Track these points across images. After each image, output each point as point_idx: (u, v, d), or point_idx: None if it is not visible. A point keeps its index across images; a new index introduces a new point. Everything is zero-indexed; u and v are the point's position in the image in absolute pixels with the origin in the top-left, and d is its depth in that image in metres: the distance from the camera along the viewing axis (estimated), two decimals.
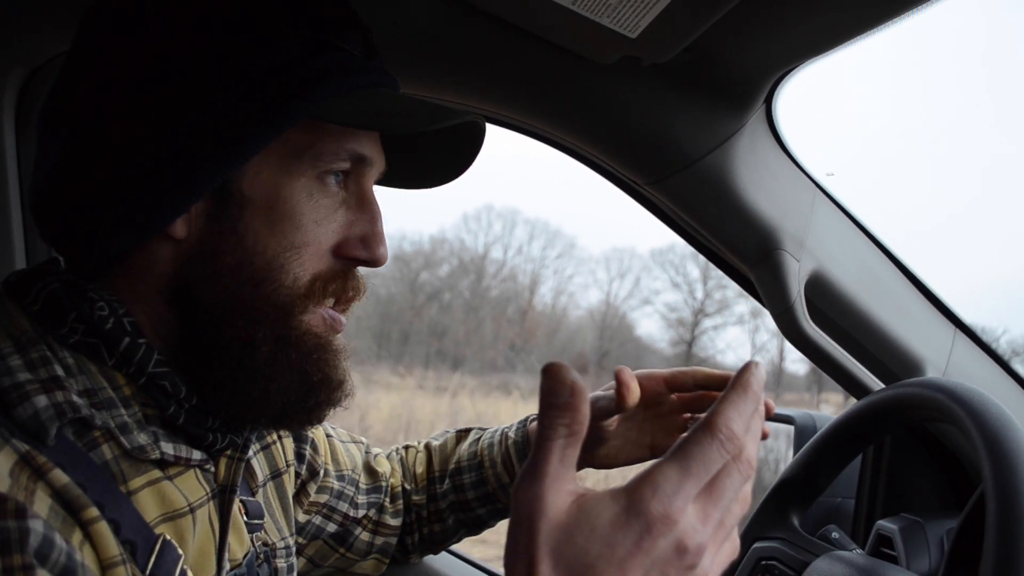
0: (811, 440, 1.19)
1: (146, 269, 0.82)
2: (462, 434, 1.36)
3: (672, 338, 27.47)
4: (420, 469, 1.35)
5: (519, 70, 1.15)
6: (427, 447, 1.37)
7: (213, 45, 0.78)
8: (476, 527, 1.32)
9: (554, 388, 0.55)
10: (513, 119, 1.26)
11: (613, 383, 1.07)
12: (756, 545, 1.15)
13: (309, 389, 0.85)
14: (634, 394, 1.07)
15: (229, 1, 0.80)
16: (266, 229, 0.81)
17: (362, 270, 0.91)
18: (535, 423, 1.23)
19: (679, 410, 1.17)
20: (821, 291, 1.25)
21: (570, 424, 0.55)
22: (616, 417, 1.17)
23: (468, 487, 1.28)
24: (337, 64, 0.81)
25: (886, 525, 1.34)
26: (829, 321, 1.27)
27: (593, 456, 1.20)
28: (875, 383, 1.26)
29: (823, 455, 1.16)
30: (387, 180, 0.96)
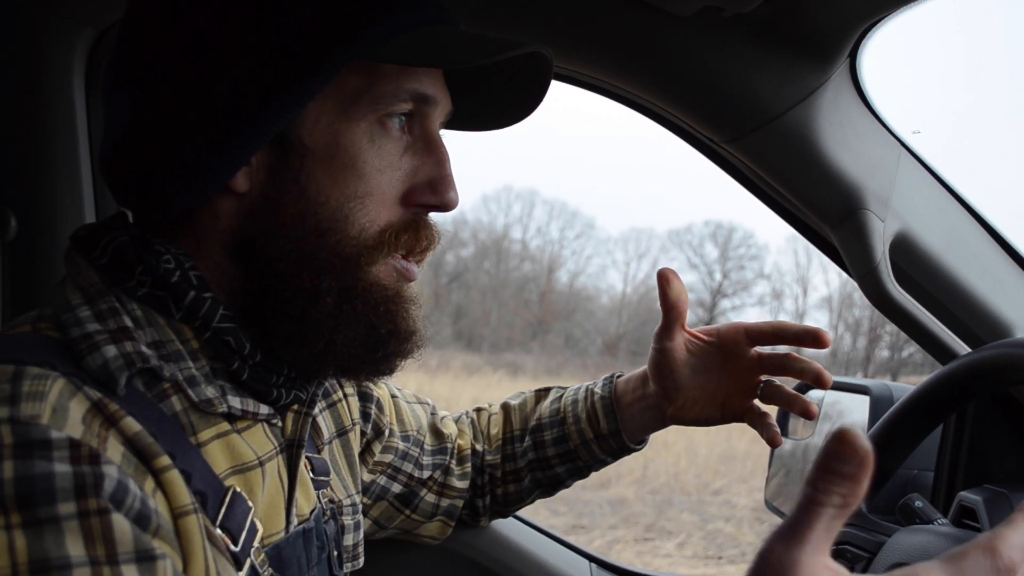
0: (882, 419, 1.15)
1: (211, 225, 0.81)
2: (542, 393, 1.35)
3: (691, 320, 27.28)
4: (495, 430, 1.33)
5: (596, 25, 1.12)
6: (504, 407, 1.36)
7: None
8: (552, 487, 1.30)
9: (843, 455, 0.49)
10: (590, 77, 1.24)
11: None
12: None
13: (377, 340, 0.84)
14: (675, 290, 1.10)
15: None
16: (328, 179, 0.80)
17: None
18: (621, 379, 1.22)
19: (756, 369, 1.15)
20: (906, 253, 1.21)
21: (847, 496, 0.50)
22: (688, 363, 1.16)
23: (549, 443, 1.27)
24: (388, 1, 0.79)
25: (969, 496, 1.30)
26: (914, 284, 1.24)
27: (664, 408, 1.19)
28: (962, 347, 1.22)
29: (897, 432, 1.12)
30: (455, 123, 0.92)
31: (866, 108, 1.19)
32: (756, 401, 1.16)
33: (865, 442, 0.49)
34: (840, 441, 0.49)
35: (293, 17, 0.76)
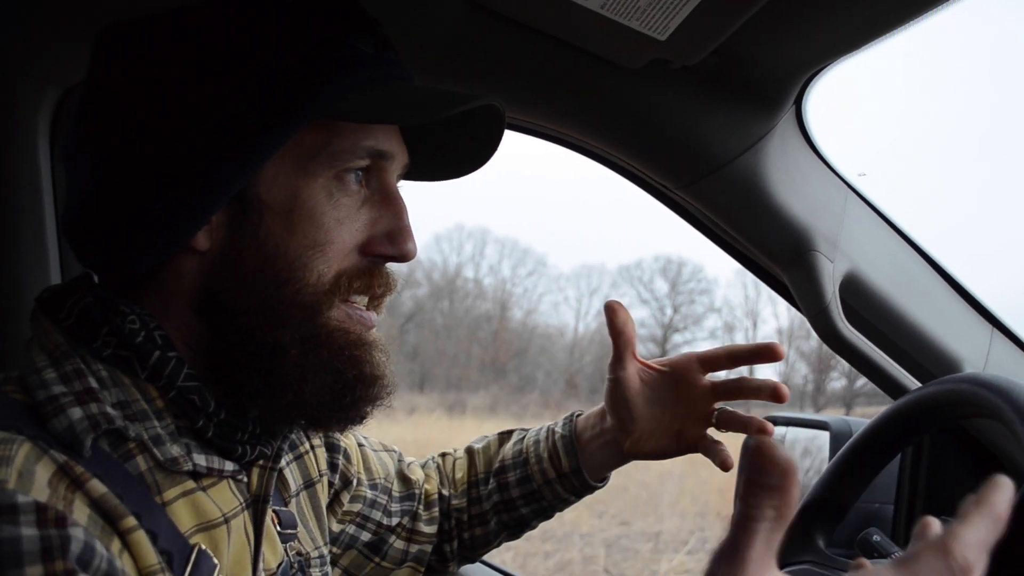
0: (837, 455, 1.17)
1: (174, 283, 0.83)
2: (504, 436, 1.36)
3: (643, 354, 27.33)
4: (460, 474, 1.34)
5: (547, 76, 1.15)
6: (468, 451, 1.37)
7: (220, 54, 0.78)
8: (518, 528, 1.31)
9: (764, 467, 0.49)
10: (541, 126, 1.26)
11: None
12: (785, 571, 1.13)
13: (344, 386, 0.84)
14: (621, 319, 1.11)
15: (235, 10, 0.80)
16: (286, 232, 0.81)
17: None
18: (580, 417, 1.24)
19: (710, 397, 1.16)
20: (856, 292, 1.24)
21: (779, 507, 0.50)
22: (643, 393, 1.17)
23: (513, 485, 1.28)
24: (344, 60, 0.81)
25: None
26: (864, 322, 1.26)
27: (622, 442, 1.19)
28: (913, 383, 1.25)
29: (853, 466, 1.14)
30: (412, 174, 0.95)
31: (813, 152, 1.23)
32: (710, 430, 1.17)
33: (783, 451, 0.50)
34: (758, 454, 0.50)
35: (252, 78, 0.78)
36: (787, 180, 1.19)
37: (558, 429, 1.27)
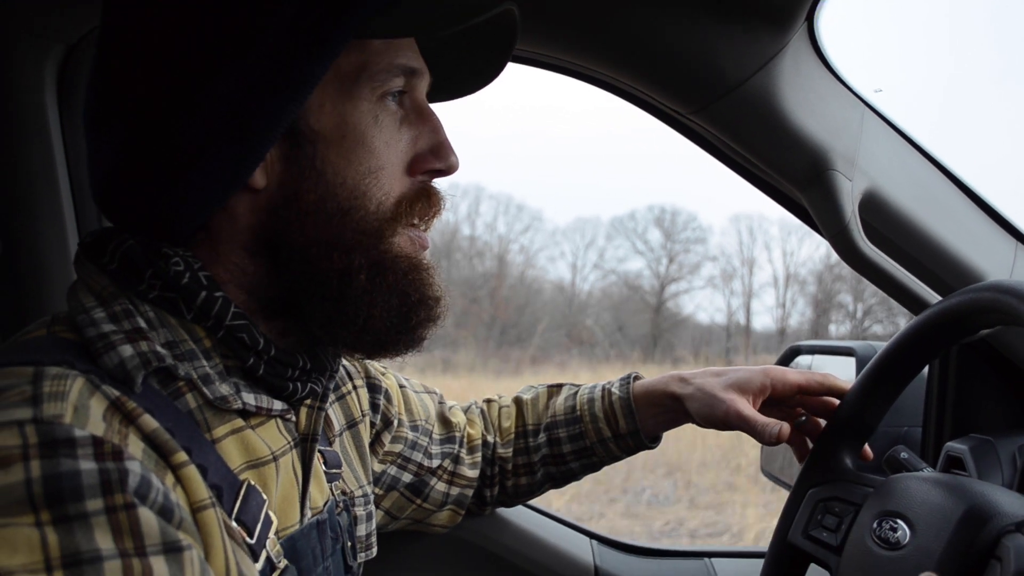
0: (861, 374, 1.16)
1: (228, 227, 0.83)
2: (554, 389, 1.38)
3: (639, 306, 27.58)
4: (507, 423, 1.36)
5: (555, 5, 1.14)
6: (517, 401, 1.39)
7: None
8: (564, 480, 1.34)
9: None
10: (549, 56, 1.25)
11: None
12: (811, 491, 1.13)
13: (410, 309, 0.86)
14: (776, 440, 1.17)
15: None
16: (342, 159, 0.81)
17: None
18: (639, 384, 1.28)
19: (797, 404, 1.26)
20: (876, 210, 1.23)
21: None
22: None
23: (565, 440, 1.31)
24: None
25: (955, 446, 1.32)
26: (886, 240, 1.25)
27: (692, 420, 1.27)
28: (936, 299, 1.24)
29: (878, 384, 1.13)
30: (432, 94, 0.95)
31: (827, 70, 1.21)
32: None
33: None
34: None
35: (281, 7, 0.76)
36: (802, 99, 1.18)
37: (615, 391, 1.30)
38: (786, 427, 1.15)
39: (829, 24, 1.18)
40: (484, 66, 0.95)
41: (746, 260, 28.35)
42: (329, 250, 0.82)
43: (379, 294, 0.84)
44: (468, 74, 0.96)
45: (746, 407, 1.19)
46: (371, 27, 0.79)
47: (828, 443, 1.15)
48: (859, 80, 1.22)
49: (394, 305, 0.85)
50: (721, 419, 1.20)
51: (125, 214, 0.83)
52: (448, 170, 0.89)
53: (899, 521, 0.98)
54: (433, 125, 0.88)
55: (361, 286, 0.83)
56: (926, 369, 1.43)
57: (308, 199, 0.81)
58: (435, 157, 0.88)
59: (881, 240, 1.24)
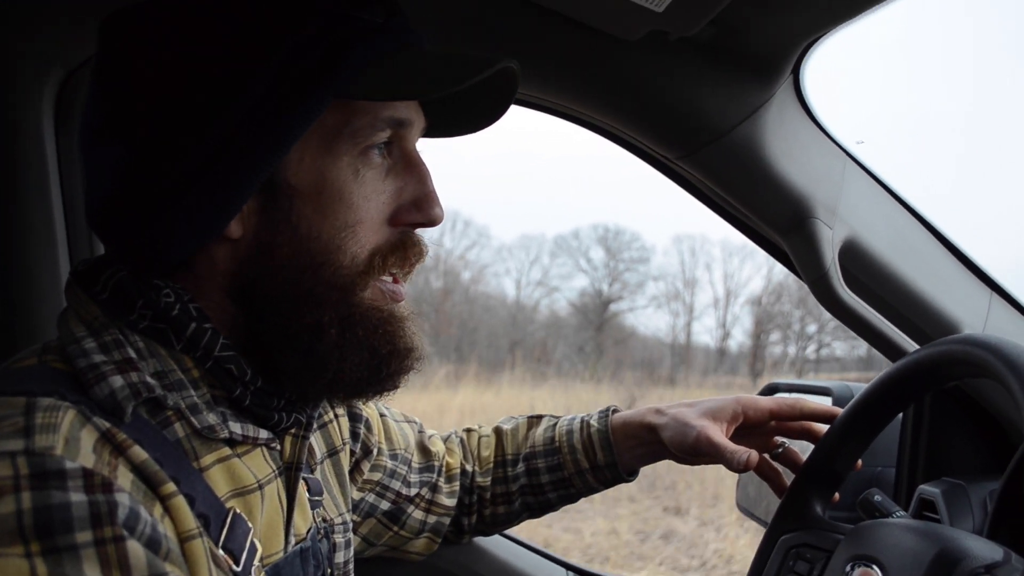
0: (834, 422, 1.19)
1: (207, 270, 0.84)
2: (534, 420, 1.40)
3: (579, 323, 27.61)
4: (486, 452, 1.37)
5: (547, 50, 1.16)
6: (496, 431, 1.40)
7: (232, 40, 0.78)
8: (541, 510, 1.35)
9: None
10: (542, 99, 1.27)
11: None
12: (783, 538, 1.16)
13: (380, 362, 0.87)
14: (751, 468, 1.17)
15: None
16: (317, 214, 0.82)
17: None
18: (618, 416, 1.30)
19: (772, 433, 1.28)
20: (855, 257, 1.26)
21: None
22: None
23: (543, 471, 1.32)
24: (356, 35, 0.81)
25: (928, 489, 1.34)
26: (864, 287, 1.28)
27: (669, 456, 1.28)
28: (913, 346, 1.27)
29: (849, 433, 1.16)
30: (428, 132, 0.94)
31: (811, 121, 1.24)
32: (766, 456, 1.26)
33: None
34: None
35: (266, 64, 0.78)
36: (786, 148, 1.20)
37: (593, 423, 1.32)
38: (754, 455, 1.15)
39: (814, 76, 1.21)
40: (482, 113, 0.95)
41: (687, 282, 28.64)
42: (300, 304, 0.83)
43: (349, 349, 0.84)
44: (465, 119, 0.96)
45: (717, 434, 1.19)
46: (353, 89, 0.80)
47: (799, 491, 1.17)
48: (842, 131, 1.25)
49: (364, 359, 0.85)
50: (692, 445, 1.19)
51: (109, 239, 0.84)
52: (430, 223, 0.89)
53: (872, 566, 1.00)
54: (420, 175, 0.88)
55: (331, 341, 0.84)
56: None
57: (281, 252, 0.82)
58: (418, 210, 0.88)
59: (860, 287, 1.27)
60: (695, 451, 1.20)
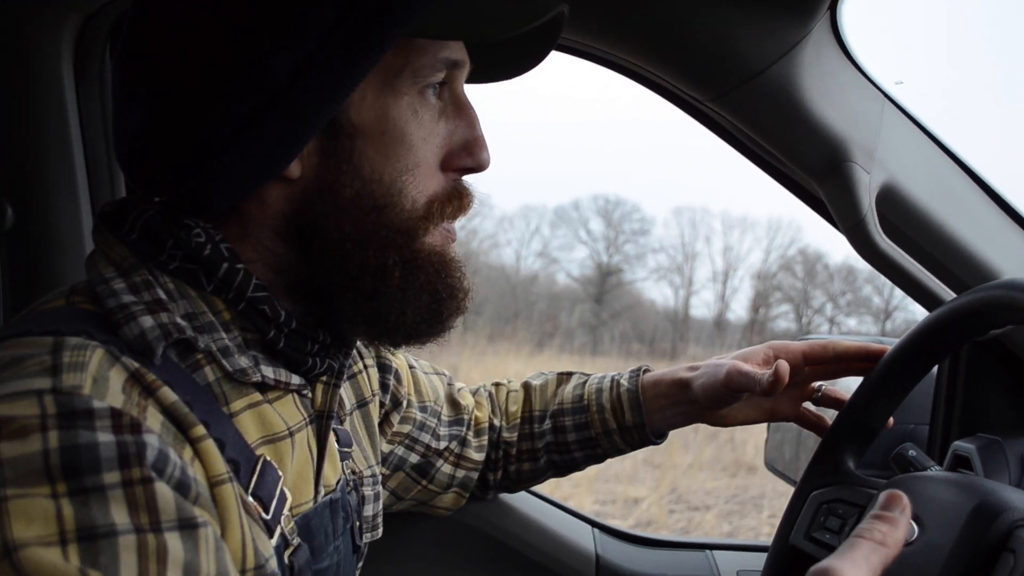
0: (869, 375, 1.16)
1: (258, 211, 0.82)
2: (564, 376, 1.37)
3: (580, 295, 27.58)
4: (514, 407, 1.36)
5: None
6: (525, 386, 1.38)
7: None
8: (567, 469, 1.33)
9: (889, 505, 0.69)
10: (574, 41, 1.24)
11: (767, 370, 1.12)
12: (814, 493, 1.13)
13: (440, 304, 0.86)
14: (783, 383, 1.10)
15: None
16: (379, 155, 0.81)
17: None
18: (649, 375, 1.27)
19: (810, 379, 1.24)
20: (893, 204, 1.22)
21: (884, 535, 0.68)
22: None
23: (570, 428, 1.30)
24: None
25: (963, 445, 1.31)
26: (902, 235, 1.24)
27: (704, 416, 1.26)
28: (951, 296, 1.23)
29: (884, 386, 1.12)
30: (471, 77, 0.92)
31: (848, 61, 1.20)
32: (807, 405, 1.26)
33: (906, 504, 0.70)
34: (891, 501, 0.69)
35: (333, 2, 0.75)
36: (822, 89, 1.16)
37: (624, 382, 1.29)
38: (783, 365, 1.10)
39: (852, 14, 1.17)
40: (525, 56, 0.93)
41: (687, 255, 28.62)
42: (364, 246, 0.81)
43: (412, 292, 0.84)
44: (507, 62, 0.94)
45: (746, 366, 1.16)
46: (418, 27, 0.77)
47: (831, 445, 1.15)
48: (880, 72, 1.21)
49: (425, 302, 0.85)
50: (723, 382, 1.16)
51: (151, 182, 0.82)
52: (480, 168, 0.88)
53: (911, 523, 0.97)
54: (470, 119, 0.87)
55: (396, 284, 0.83)
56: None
57: (344, 194, 0.80)
58: (468, 154, 0.86)
59: (897, 235, 1.24)
60: (727, 386, 1.16)
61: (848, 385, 1.49)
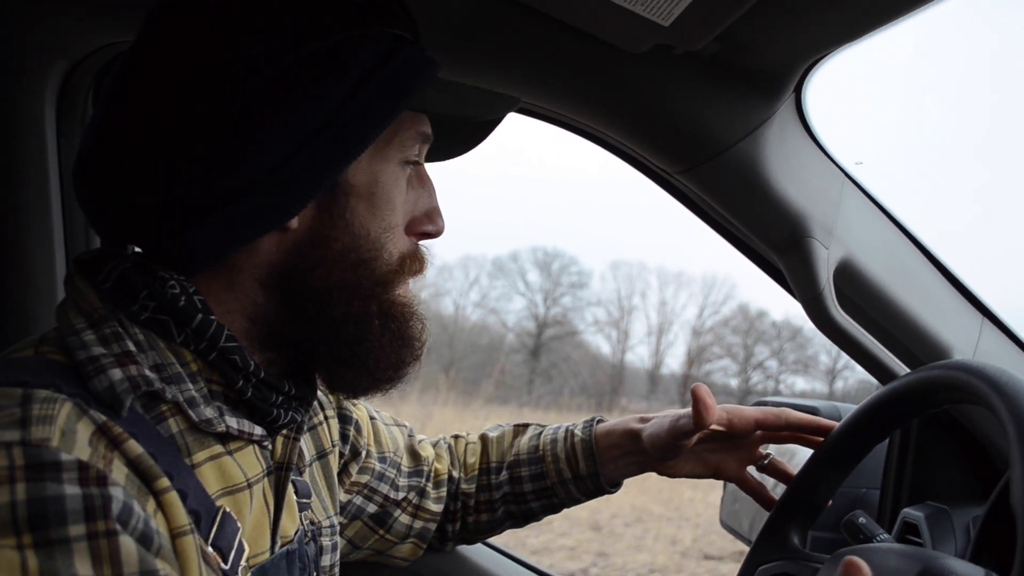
0: (816, 450, 1.20)
1: (247, 261, 0.85)
2: (520, 428, 1.40)
3: (515, 345, 27.74)
4: (472, 459, 1.37)
5: (552, 60, 1.16)
6: (483, 438, 1.40)
7: (310, 46, 0.79)
8: (524, 519, 1.35)
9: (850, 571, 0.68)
10: (545, 109, 1.28)
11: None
12: (761, 568, 1.16)
13: (406, 351, 0.93)
14: (711, 412, 1.14)
15: (316, 5, 0.81)
16: (369, 213, 0.88)
17: None
18: (602, 426, 1.30)
19: (758, 443, 1.27)
20: (850, 278, 1.26)
21: None
22: (695, 446, 1.25)
23: (526, 479, 1.32)
24: (417, 60, 0.87)
25: (912, 512, 1.35)
26: (857, 308, 1.28)
27: (653, 466, 1.28)
28: (903, 369, 1.27)
29: (831, 462, 1.16)
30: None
31: (811, 140, 1.24)
32: (751, 470, 1.29)
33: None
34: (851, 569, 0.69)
35: (345, 75, 0.81)
36: (785, 167, 1.21)
37: (578, 432, 1.32)
38: (701, 387, 1.16)
39: (816, 96, 1.22)
40: (466, 140, 1.04)
41: (623, 309, 28.80)
42: (350, 296, 0.87)
43: (386, 338, 0.90)
44: (450, 146, 1.04)
45: (686, 411, 1.20)
46: (425, 103, 0.90)
47: (778, 520, 1.18)
48: (841, 151, 1.26)
49: (395, 349, 0.91)
50: (667, 430, 1.20)
51: (130, 237, 0.84)
52: (437, 233, 0.97)
53: None
54: (430, 190, 0.97)
55: (375, 331, 0.89)
56: None
57: (335, 247, 0.86)
58: (429, 221, 0.96)
59: (854, 309, 1.28)
60: (671, 434, 1.20)
61: (795, 450, 1.53)
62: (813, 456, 1.18)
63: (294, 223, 0.84)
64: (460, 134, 1.03)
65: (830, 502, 1.18)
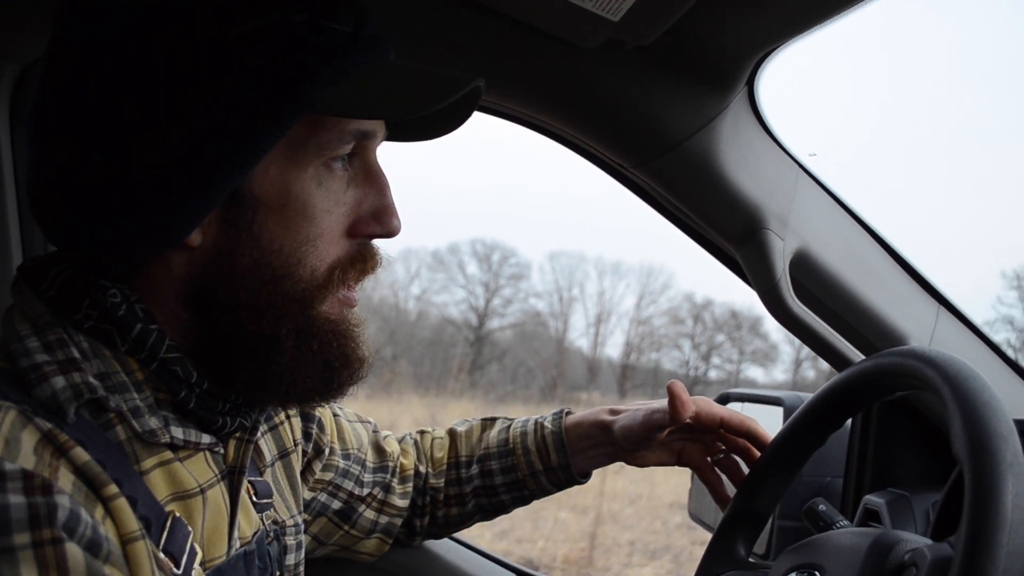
0: (756, 462, 1.21)
1: (163, 275, 0.83)
2: (488, 422, 1.40)
3: (456, 338, 27.66)
4: (440, 454, 1.38)
5: (503, 56, 1.16)
6: (451, 432, 1.40)
7: (198, 43, 0.75)
8: (495, 512, 1.36)
9: None
10: (497, 105, 1.28)
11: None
12: None
13: (332, 374, 0.87)
14: (687, 408, 1.17)
15: None
16: (280, 227, 0.81)
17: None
18: (571, 418, 1.31)
19: (719, 439, 1.29)
20: (805, 269, 1.27)
21: None
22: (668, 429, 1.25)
23: (497, 472, 1.32)
24: (328, 49, 0.79)
25: (873, 499, 1.36)
26: (814, 298, 1.29)
27: (622, 457, 1.30)
28: (859, 357, 1.28)
29: (775, 465, 1.18)
30: (392, 135, 0.94)
31: (765, 132, 1.25)
32: (709, 459, 1.31)
33: None
34: None
35: (237, 73, 0.75)
36: (740, 159, 1.22)
37: (547, 424, 1.33)
38: (676, 384, 1.19)
39: (769, 88, 1.23)
40: (442, 123, 0.94)
41: (562, 300, 28.91)
42: (259, 315, 0.82)
43: (304, 361, 0.85)
44: (424, 128, 0.95)
45: (658, 403, 1.23)
46: (323, 105, 0.78)
47: (724, 533, 1.19)
48: (795, 143, 1.27)
49: (317, 370, 0.86)
50: (640, 423, 1.23)
51: (63, 241, 0.82)
52: (388, 235, 0.89)
53: (815, 572, 1.01)
54: (379, 187, 0.88)
55: (288, 353, 0.84)
56: (849, 422, 1.47)
57: (242, 263, 0.81)
58: (377, 222, 0.88)
59: (810, 298, 1.29)
60: (644, 426, 1.22)
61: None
62: (755, 466, 1.20)
63: (195, 239, 0.80)
64: (429, 117, 0.92)
65: (777, 509, 1.20)
